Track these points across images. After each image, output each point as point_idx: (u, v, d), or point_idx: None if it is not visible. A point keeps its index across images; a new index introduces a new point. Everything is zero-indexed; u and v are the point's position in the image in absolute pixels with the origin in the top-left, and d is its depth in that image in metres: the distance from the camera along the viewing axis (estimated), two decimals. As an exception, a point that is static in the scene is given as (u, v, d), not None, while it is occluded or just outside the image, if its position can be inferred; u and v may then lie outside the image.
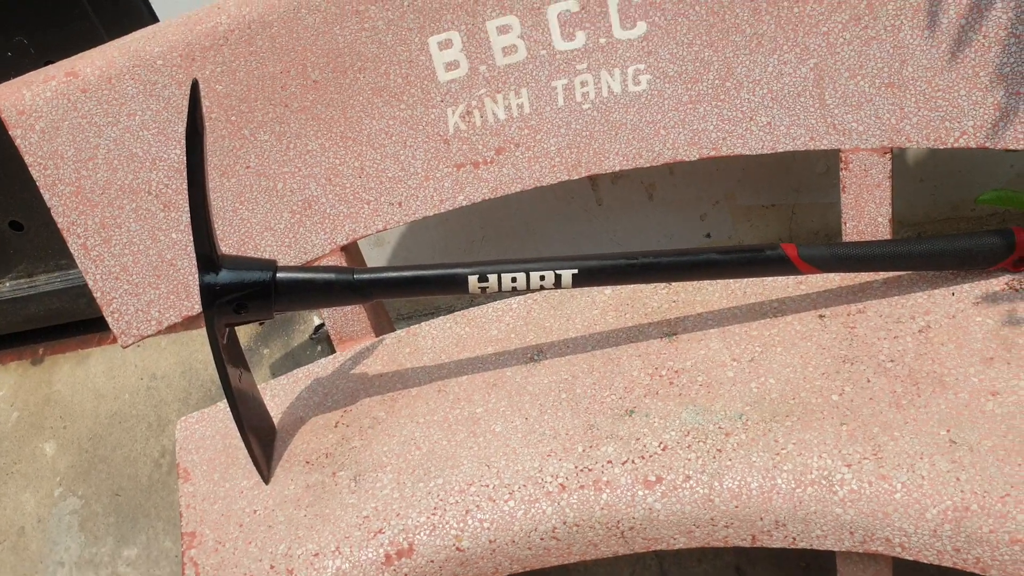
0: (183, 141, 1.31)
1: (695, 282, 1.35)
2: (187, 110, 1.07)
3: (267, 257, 1.38)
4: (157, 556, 1.84)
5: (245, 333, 2.06)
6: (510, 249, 1.88)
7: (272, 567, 1.17)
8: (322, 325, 2.01)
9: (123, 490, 1.93)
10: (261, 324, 2.06)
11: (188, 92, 1.27)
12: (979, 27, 1.16)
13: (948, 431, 1.07)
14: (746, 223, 1.80)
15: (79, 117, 1.33)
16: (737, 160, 1.73)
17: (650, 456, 1.15)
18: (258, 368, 2.00)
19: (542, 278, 1.19)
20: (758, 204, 1.77)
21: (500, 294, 1.24)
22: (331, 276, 1.17)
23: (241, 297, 1.15)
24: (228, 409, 1.27)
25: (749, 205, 1.78)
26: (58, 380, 2.10)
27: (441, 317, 1.46)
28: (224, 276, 1.14)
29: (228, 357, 1.20)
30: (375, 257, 1.90)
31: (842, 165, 1.30)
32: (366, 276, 1.18)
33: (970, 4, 1.15)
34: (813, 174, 1.71)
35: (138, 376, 2.06)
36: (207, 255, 1.13)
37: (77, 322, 2.17)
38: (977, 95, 1.19)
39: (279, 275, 1.16)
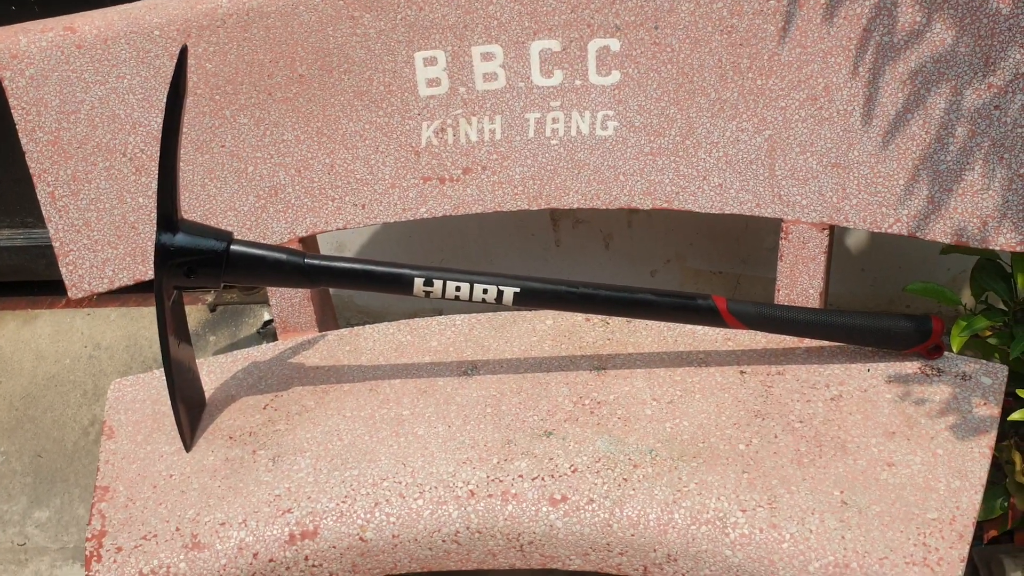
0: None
1: (630, 324, 1.41)
2: (173, 73, 1.12)
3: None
4: (68, 522, 1.84)
5: (194, 318, 2.09)
6: (465, 274, 1.92)
7: (178, 529, 1.20)
8: (271, 321, 2.04)
9: (46, 452, 1.93)
10: (212, 311, 2.09)
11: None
12: (921, 123, 1.24)
13: (842, 492, 1.13)
14: (693, 285, 1.87)
15: (69, 70, 1.37)
16: (691, 223, 1.80)
17: (560, 476, 1.19)
18: (202, 353, 2.02)
19: (485, 291, 1.24)
20: (706, 269, 1.84)
21: (443, 302, 1.29)
22: (282, 256, 1.22)
23: (193, 261, 1.19)
24: (163, 377, 1.30)
25: (698, 268, 1.85)
26: (1, 336, 2.11)
27: (384, 323, 1.50)
28: (180, 239, 1.19)
29: (171, 322, 1.23)
30: (334, 262, 1.94)
31: (782, 234, 1.37)
32: (316, 262, 1.22)
33: (915, 101, 1.24)
34: (761, 248, 1.78)
35: (82, 343, 2.07)
36: (168, 215, 1.17)
37: (32, 282, 2.18)
38: (913, 186, 1.27)
39: (233, 247, 1.21)
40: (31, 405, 2.00)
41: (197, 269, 1.19)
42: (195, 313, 2.08)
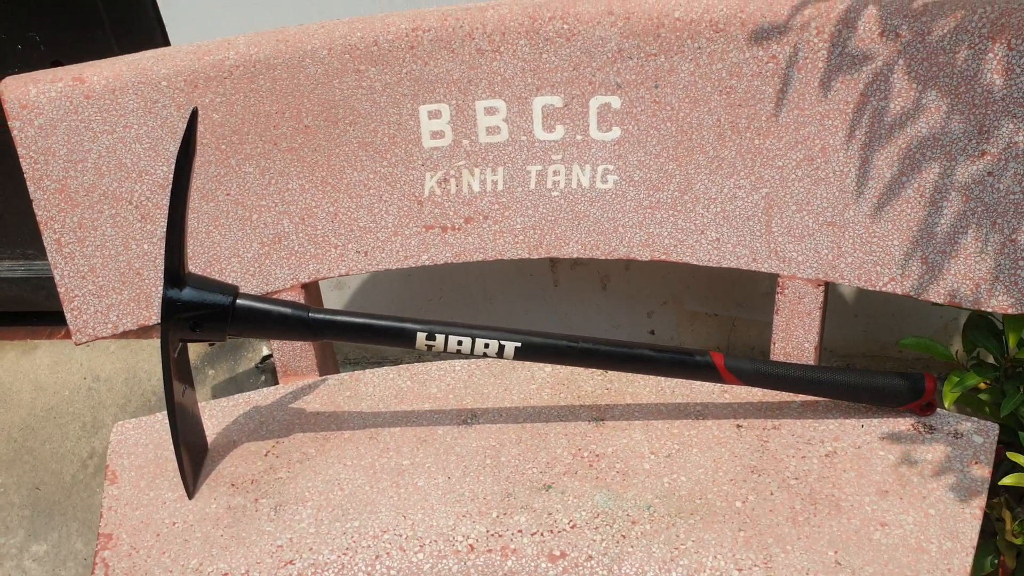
0: (172, 159, 1.38)
1: (628, 374, 1.43)
2: (183, 133, 1.14)
3: (230, 282, 1.45)
4: (65, 556, 1.85)
5: (194, 351, 2.10)
6: (465, 313, 1.95)
7: (180, 580, 1.21)
8: (269, 356, 2.05)
9: (44, 485, 1.94)
10: (211, 345, 2.10)
11: (186, 115, 1.34)
12: (916, 186, 1.27)
13: (836, 553, 1.15)
14: (689, 327, 1.89)
15: (78, 120, 1.39)
16: (688, 268, 1.82)
17: (559, 531, 1.21)
18: (201, 387, 2.03)
19: (486, 345, 1.26)
20: (702, 311, 1.87)
21: (445, 355, 1.31)
22: (287, 311, 1.24)
23: (199, 316, 1.20)
24: (166, 420, 1.32)
25: (694, 311, 1.87)
26: (0, 367, 2.12)
27: (385, 368, 1.52)
28: (187, 293, 1.20)
29: (176, 371, 1.25)
30: (333, 299, 1.96)
31: (778, 289, 1.39)
32: (320, 316, 1.24)
33: (909, 166, 1.26)
34: (757, 293, 1.81)
35: (81, 375, 2.08)
36: (175, 271, 1.19)
37: (31, 313, 2.19)
38: (906, 247, 1.29)
39: (239, 301, 1.22)
40: (29, 436, 2.01)
41: (203, 323, 1.21)
42: (194, 347, 2.09)
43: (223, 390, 2.01)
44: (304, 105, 1.42)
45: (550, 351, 1.27)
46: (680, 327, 1.89)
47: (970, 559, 1.13)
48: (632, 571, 1.16)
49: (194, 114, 1.15)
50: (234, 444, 1.42)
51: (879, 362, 1.85)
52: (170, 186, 1.15)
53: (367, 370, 1.52)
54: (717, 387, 1.40)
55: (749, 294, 1.82)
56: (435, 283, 1.94)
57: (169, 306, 1.19)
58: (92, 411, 2.02)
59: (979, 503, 1.19)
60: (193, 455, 1.35)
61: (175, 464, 1.33)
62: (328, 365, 1.61)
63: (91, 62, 1.42)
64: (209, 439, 1.43)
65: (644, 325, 1.91)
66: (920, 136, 1.25)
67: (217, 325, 1.22)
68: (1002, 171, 1.22)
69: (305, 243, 1.48)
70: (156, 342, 2.03)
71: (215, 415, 1.47)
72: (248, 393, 1.52)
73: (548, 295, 1.92)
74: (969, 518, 1.17)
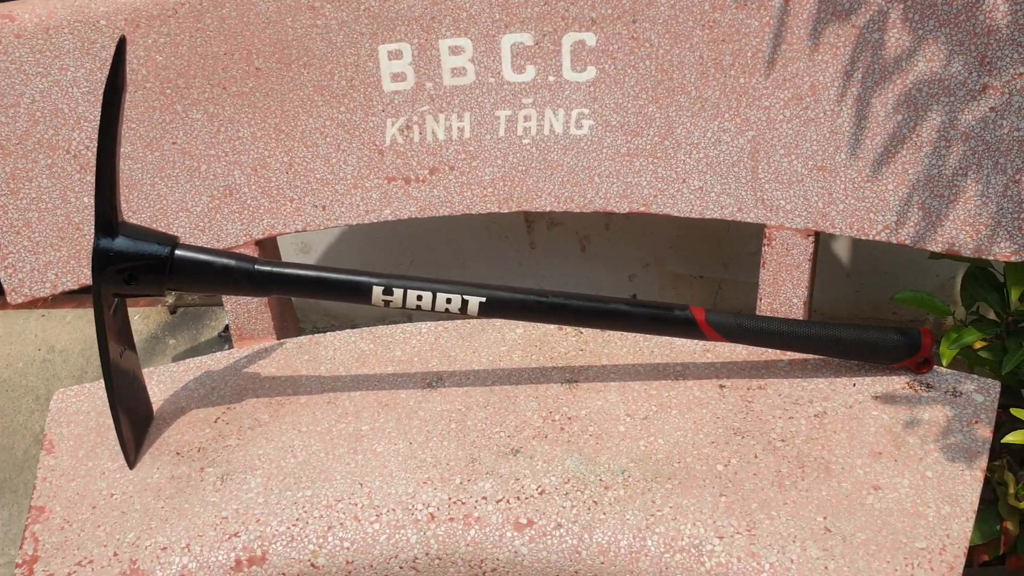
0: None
1: (604, 334, 1.34)
2: (111, 64, 1.04)
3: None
4: (16, 535, 1.75)
5: (154, 321, 2.00)
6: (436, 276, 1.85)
7: (116, 554, 1.11)
8: (234, 324, 1.95)
9: (-5, 460, 1.84)
10: (172, 313, 2.00)
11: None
12: (913, 126, 1.18)
13: (825, 518, 1.06)
14: (672, 290, 1.79)
15: (8, 62, 1.28)
16: (671, 226, 1.73)
17: (526, 498, 1.12)
18: (160, 357, 1.93)
19: (448, 301, 1.17)
20: (687, 273, 1.77)
21: (412, 313, 1.21)
22: (231, 262, 1.14)
23: (134, 267, 1.11)
24: (108, 386, 1.22)
25: (678, 273, 1.78)
26: (-49, 337, 2.02)
27: (347, 331, 1.42)
28: (120, 243, 1.10)
29: (112, 330, 1.15)
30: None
31: (765, 241, 1.30)
32: (267, 268, 1.14)
33: (905, 103, 1.17)
34: (743, 252, 1.71)
35: (36, 346, 1.98)
36: (106, 218, 1.09)
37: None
38: (902, 192, 1.20)
39: (177, 252, 1.13)
40: (-19, 411, 1.92)
41: (138, 276, 1.11)
42: (155, 315, 2.00)
43: (185, 359, 1.91)
44: (255, 46, 1.32)
45: (517, 306, 1.17)
46: (663, 290, 1.80)
47: (970, 524, 1.04)
48: (604, 539, 1.07)
49: (121, 42, 1.05)
50: (182, 411, 1.32)
51: (875, 321, 1.76)
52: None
53: (327, 333, 1.43)
54: (699, 346, 1.31)
55: (736, 254, 1.73)
56: (405, 246, 1.85)
57: (101, 257, 1.09)
58: (46, 383, 1.92)
59: (980, 465, 1.10)
60: (134, 422, 1.25)
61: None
62: (288, 328, 1.52)
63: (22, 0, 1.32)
64: (156, 406, 1.33)
65: (626, 289, 1.81)
66: (917, 71, 1.16)
67: (154, 278, 1.12)
68: (1005, 107, 1.13)
69: (258, 196, 1.38)
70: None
71: (163, 381, 1.38)
72: (199, 358, 1.42)
73: (524, 258, 1.82)
74: (969, 481, 1.08)
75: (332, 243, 1.86)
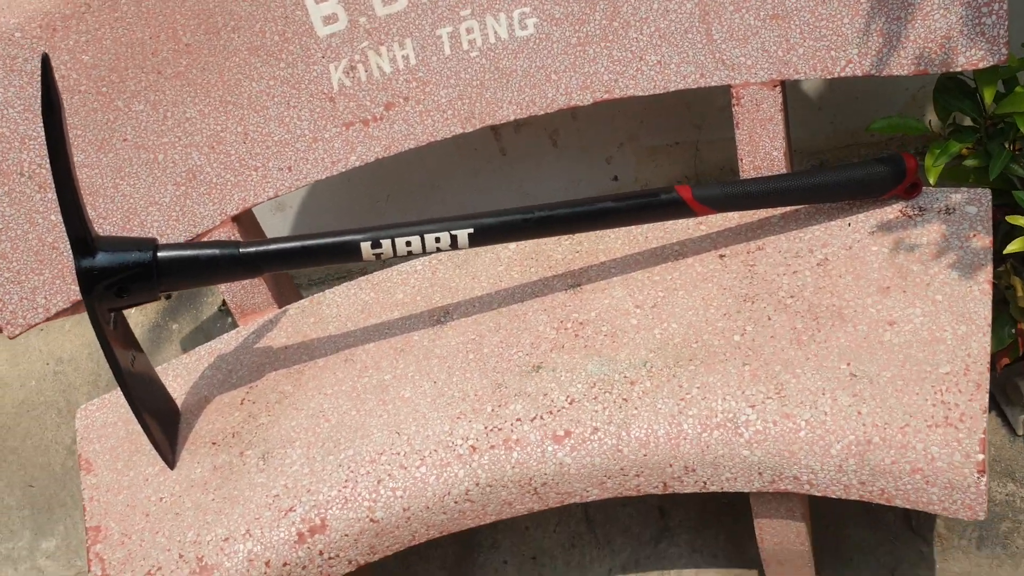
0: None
1: (597, 231, 1.33)
2: (41, 86, 1.01)
3: (153, 234, 1.33)
4: (77, 545, 1.79)
5: (152, 309, 2.00)
6: (415, 207, 1.84)
7: (181, 556, 1.14)
8: (230, 295, 1.95)
9: (36, 481, 1.87)
10: (167, 298, 2.00)
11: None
12: (860, -46, 1.15)
13: (848, 365, 1.08)
14: (651, 163, 1.78)
15: (-66, 100, 1.24)
16: (638, 101, 1.70)
17: (558, 411, 1.14)
18: (168, 344, 1.94)
19: (437, 240, 1.16)
20: (662, 143, 1.76)
21: (398, 259, 1.21)
22: (215, 251, 1.13)
23: (122, 280, 1.10)
24: (127, 394, 1.22)
25: (653, 145, 1.76)
26: (-42, 372, 2.02)
27: (345, 284, 1.42)
28: (101, 259, 1.09)
29: (117, 343, 1.15)
30: (275, 224, 1.85)
31: (734, 101, 1.28)
32: (252, 249, 1.13)
33: (850, -70, 1.14)
34: (714, 109, 1.69)
35: (43, 361, 1.98)
36: (81, 237, 1.08)
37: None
38: (859, 23, 1.18)
39: (160, 254, 1.12)
40: (8, 436, 1.93)
41: (128, 286, 1.10)
42: (150, 304, 1.99)
43: (191, 342, 1.91)
44: (178, 22, 1.27)
45: (505, 229, 1.17)
46: (642, 166, 1.79)
47: (987, 339, 1.06)
48: (642, 433, 1.10)
49: (45, 61, 1.01)
50: (206, 400, 1.33)
51: (853, 151, 1.75)
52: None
53: (327, 291, 1.42)
54: (692, 221, 1.31)
55: (706, 114, 1.71)
56: (377, 185, 1.82)
57: (86, 277, 1.08)
58: (64, 395, 1.93)
59: (985, 277, 1.12)
60: (163, 422, 1.27)
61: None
62: (286, 294, 1.51)
63: (-70, 30, 1.26)
64: (179, 400, 1.34)
65: (605, 173, 1.80)
66: None
67: (144, 285, 1.11)
68: (948, -87, 1.10)
69: (222, 172, 1.36)
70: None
71: (179, 375, 1.38)
72: (208, 344, 1.42)
73: (497, 166, 1.80)
74: (979, 295, 1.10)
75: (305, 196, 1.84)
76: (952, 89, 1.30)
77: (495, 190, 1.82)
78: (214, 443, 1.26)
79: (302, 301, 1.44)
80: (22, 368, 1.99)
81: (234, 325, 1.90)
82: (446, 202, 1.83)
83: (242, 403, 1.30)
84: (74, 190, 1.04)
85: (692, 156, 1.78)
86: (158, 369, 1.37)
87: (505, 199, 1.83)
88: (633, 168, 1.79)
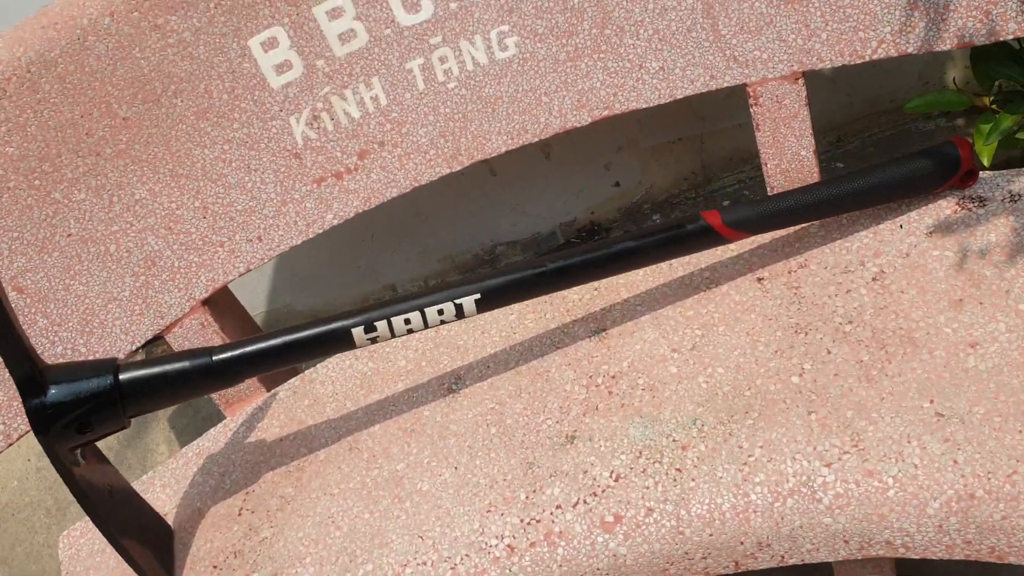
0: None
1: (614, 265, 1.18)
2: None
3: (116, 332, 1.18)
4: (87, 656, 1.65)
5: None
6: (403, 242, 1.68)
7: None
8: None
9: (34, 590, 1.72)
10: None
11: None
12: (885, -80, 0.99)
13: (932, 402, 0.93)
14: (655, 163, 1.63)
15: None
16: (632, 99, 1.54)
17: (603, 491, 0.99)
18: (157, 421, 1.78)
19: (440, 312, 1.01)
20: (664, 141, 1.60)
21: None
22: (185, 364, 0.97)
23: (80, 414, 0.94)
24: (111, 519, 1.07)
25: (655, 145, 1.60)
26: (-65, 480, 1.86)
27: (337, 357, 1.26)
28: (54, 394, 0.93)
29: (87, 482, 1.00)
30: (253, 276, 1.69)
31: (751, 101, 1.13)
32: (228, 355, 0.98)
33: None
34: (717, 99, 1.54)
35: (24, 458, 1.83)
36: (25, 376, 0.92)
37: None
38: None
39: (123, 376, 0.96)
40: (-2, 543, 1.78)
41: (90, 420, 0.95)
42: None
43: (180, 413, 1.76)
44: (110, 95, 1.11)
45: (516, 287, 1.01)
46: (645, 167, 1.63)
47: (1092, 352, 0.91)
48: (704, 510, 0.95)
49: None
50: (200, 512, 1.18)
51: (872, 120, 1.60)
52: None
53: (318, 366, 1.27)
54: (720, 243, 1.16)
55: (709, 103, 1.55)
56: (360, 223, 1.66)
57: (38, 418, 0.93)
58: (50, 492, 1.78)
59: (1074, 275, 0.97)
60: (156, 548, 1.12)
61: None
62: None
63: None
64: (170, 516, 1.19)
65: (606, 180, 1.64)
66: None
67: (109, 414, 0.95)
68: None
69: (184, 254, 1.20)
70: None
71: (167, 484, 1.23)
72: (195, 443, 1.27)
73: (489, 188, 1.64)
74: (1071, 300, 0.95)
75: (282, 246, 1.68)
76: (996, 54, 1.15)
77: (487, 214, 1.67)
78: (215, 567, 1.11)
79: (292, 381, 1.28)
80: (1, 468, 1.84)
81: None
82: (436, 233, 1.67)
83: (240, 513, 1.15)
84: (10, 324, 0.88)
85: (698, 150, 1.62)
86: (144, 479, 1.23)
87: (500, 222, 1.67)
88: (635, 171, 1.63)
